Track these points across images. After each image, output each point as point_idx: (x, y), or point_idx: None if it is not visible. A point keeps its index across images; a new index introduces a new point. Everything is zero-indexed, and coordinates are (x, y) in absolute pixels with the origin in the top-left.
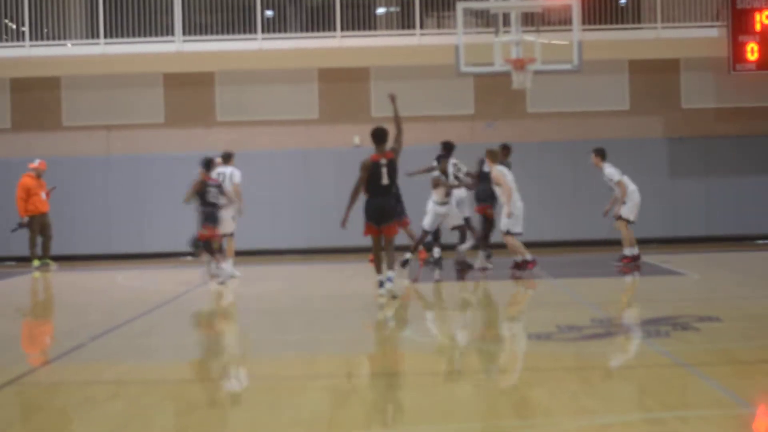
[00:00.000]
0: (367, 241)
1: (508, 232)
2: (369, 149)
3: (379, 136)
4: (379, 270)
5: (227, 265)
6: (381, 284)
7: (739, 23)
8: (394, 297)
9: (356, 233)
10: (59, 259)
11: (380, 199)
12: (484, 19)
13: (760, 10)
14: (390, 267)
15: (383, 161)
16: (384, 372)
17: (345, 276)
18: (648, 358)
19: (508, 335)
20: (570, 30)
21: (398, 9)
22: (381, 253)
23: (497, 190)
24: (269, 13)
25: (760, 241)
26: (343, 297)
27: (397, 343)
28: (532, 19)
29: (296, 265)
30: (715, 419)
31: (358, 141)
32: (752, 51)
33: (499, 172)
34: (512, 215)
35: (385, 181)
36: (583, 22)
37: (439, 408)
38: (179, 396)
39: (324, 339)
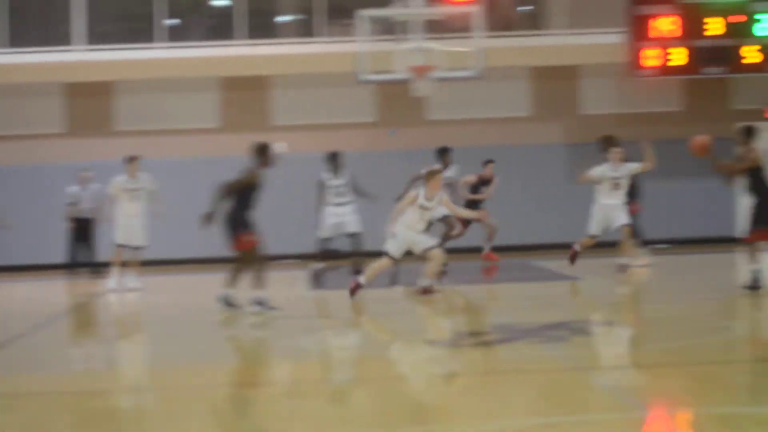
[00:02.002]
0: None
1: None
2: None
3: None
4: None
5: (128, 278)
6: (258, 302)
7: (638, 29)
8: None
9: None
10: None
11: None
12: (386, 26)
13: (660, 16)
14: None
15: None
16: (275, 381)
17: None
18: (545, 362)
19: (407, 342)
20: (472, 37)
21: (300, 17)
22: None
23: None
24: (172, 21)
25: (660, 246)
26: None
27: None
28: (433, 26)
29: (200, 275)
30: (611, 423)
31: (282, 148)
32: (651, 57)
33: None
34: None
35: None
36: (485, 29)
37: (339, 415)
38: (76, 407)
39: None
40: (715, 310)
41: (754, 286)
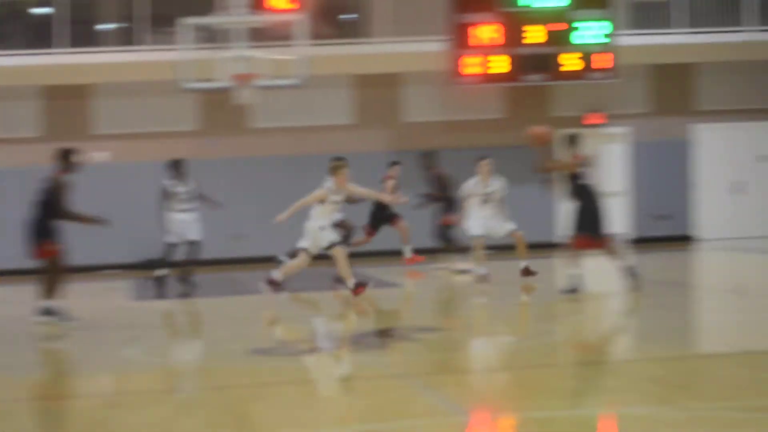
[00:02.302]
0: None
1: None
2: (94, 166)
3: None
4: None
5: None
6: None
7: (460, 37)
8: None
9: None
10: None
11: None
12: (208, 34)
13: (481, 24)
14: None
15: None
16: (89, 393)
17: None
18: (369, 369)
19: (227, 351)
20: (295, 45)
21: (122, 25)
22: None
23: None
24: None
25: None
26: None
27: (102, 363)
28: (256, 34)
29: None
30: (432, 428)
31: (97, 157)
32: (472, 65)
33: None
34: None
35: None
36: (309, 37)
37: (159, 426)
38: None
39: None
40: (536, 314)
41: (572, 290)
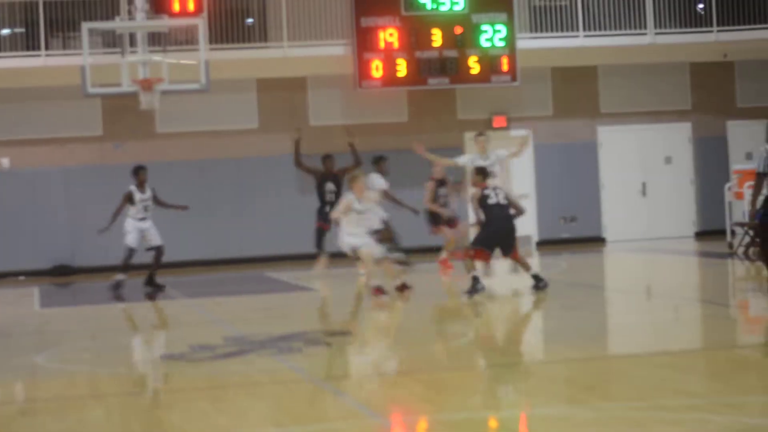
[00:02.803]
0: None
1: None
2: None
3: None
4: None
5: None
6: None
7: (364, 41)
8: None
9: None
10: None
11: None
12: (112, 39)
13: (384, 28)
14: None
15: None
16: (7, 400)
17: None
18: (280, 374)
19: (140, 357)
20: (197, 49)
21: (23, 29)
22: None
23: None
24: None
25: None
26: None
27: (11, 370)
28: (159, 39)
29: None
30: (345, 431)
31: (6, 163)
32: (377, 68)
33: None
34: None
35: None
36: (211, 42)
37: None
38: None
39: None
40: (444, 316)
41: (473, 291)
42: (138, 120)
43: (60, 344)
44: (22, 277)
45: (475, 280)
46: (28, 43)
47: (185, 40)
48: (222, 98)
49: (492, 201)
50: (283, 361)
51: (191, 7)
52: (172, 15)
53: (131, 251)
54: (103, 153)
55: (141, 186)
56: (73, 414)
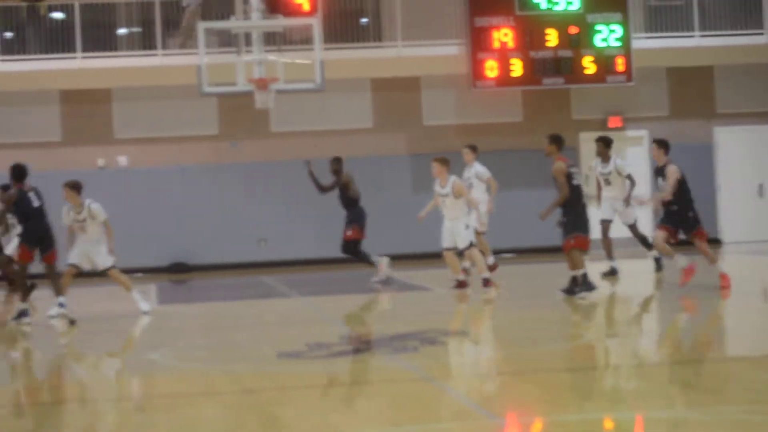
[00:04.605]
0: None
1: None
2: (115, 170)
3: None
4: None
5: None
6: (23, 313)
7: (478, 41)
8: (72, 322)
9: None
10: None
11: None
12: (227, 39)
13: (498, 28)
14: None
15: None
16: (123, 395)
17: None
18: (395, 373)
19: (256, 354)
20: (312, 49)
21: (140, 29)
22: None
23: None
24: (8, 34)
25: (505, 255)
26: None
27: (129, 367)
28: (274, 39)
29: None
30: (460, 431)
31: (102, 163)
32: (491, 68)
33: (457, 182)
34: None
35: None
36: (325, 41)
37: (187, 429)
38: None
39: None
40: (561, 317)
41: (584, 291)
42: (253, 119)
43: (176, 341)
44: (139, 274)
45: (584, 277)
46: (145, 42)
47: (300, 39)
48: (336, 98)
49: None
50: (399, 360)
51: (306, 6)
52: (287, 15)
53: None
54: (218, 152)
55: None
56: (189, 411)
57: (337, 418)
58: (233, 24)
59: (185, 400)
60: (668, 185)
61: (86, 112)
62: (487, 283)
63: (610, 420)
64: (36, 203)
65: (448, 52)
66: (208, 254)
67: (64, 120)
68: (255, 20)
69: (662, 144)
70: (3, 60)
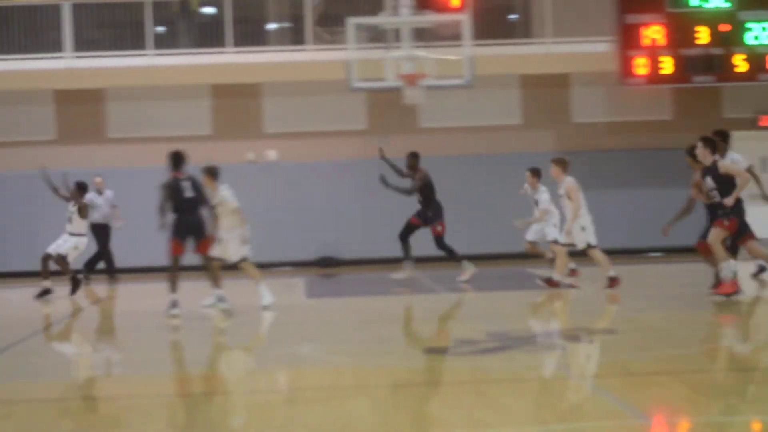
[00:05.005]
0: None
1: (589, 245)
2: (264, 165)
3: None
4: (174, 289)
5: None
6: (173, 304)
7: (628, 38)
8: (228, 313)
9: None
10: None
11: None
12: (376, 34)
13: (648, 25)
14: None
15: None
16: (271, 388)
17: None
18: (542, 370)
19: (405, 350)
20: (461, 45)
21: (290, 24)
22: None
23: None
24: (160, 28)
25: (652, 254)
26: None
27: (283, 359)
28: (423, 35)
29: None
30: (608, 430)
31: (252, 157)
32: (641, 65)
33: (571, 183)
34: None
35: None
36: (475, 37)
37: (338, 423)
38: (72, 413)
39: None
40: (703, 319)
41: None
42: (402, 114)
43: (324, 335)
44: (288, 268)
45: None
46: (295, 37)
47: (449, 35)
48: (485, 94)
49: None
50: (545, 357)
51: (456, 2)
52: (436, 11)
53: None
54: (367, 147)
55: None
56: (337, 405)
57: (483, 415)
58: (383, 20)
59: (335, 393)
60: None
61: (236, 106)
62: (612, 282)
63: (759, 423)
64: (189, 193)
65: (598, 49)
66: (356, 248)
67: (214, 114)
68: (405, 16)
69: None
70: (155, 54)
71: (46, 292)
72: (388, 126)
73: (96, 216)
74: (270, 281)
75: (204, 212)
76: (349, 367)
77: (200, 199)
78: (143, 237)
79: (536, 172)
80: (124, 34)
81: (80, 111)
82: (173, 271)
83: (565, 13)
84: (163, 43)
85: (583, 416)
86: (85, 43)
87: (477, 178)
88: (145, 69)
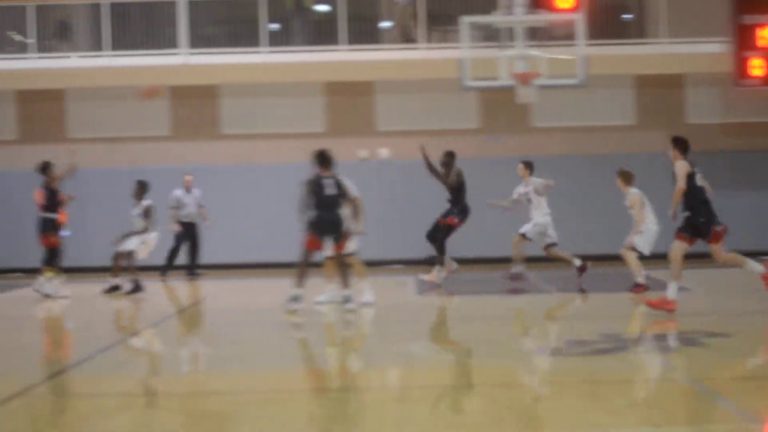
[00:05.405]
0: (377, 254)
1: (632, 248)
2: (376, 162)
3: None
4: (301, 284)
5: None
6: (295, 299)
7: (743, 39)
8: (352, 313)
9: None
10: (72, 270)
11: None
12: (489, 33)
13: (764, 26)
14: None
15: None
16: (383, 386)
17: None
18: (655, 372)
19: (516, 350)
20: (575, 44)
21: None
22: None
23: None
24: (274, 26)
25: (767, 257)
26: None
27: (394, 357)
28: (537, 34)
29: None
30: None
31: (364, 155)
32: (756, 66)
33: (635, 195)
34: (641, 234)
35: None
36: (588, 37)
37: (445, 421)
38: (186, 408)
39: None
40: None
41: None
42: (514, 114)
43: (434, 333)
44: (399, 266)
45: None
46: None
47: (562, 34)
48: (598, 94)
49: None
50: (658, 359)
51: (570, 2)
52: (550, 10)
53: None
54: (480, 145)
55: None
56: (446, 403)
57: (595, 416)
58: (497, 19)
59: (445, 391)
60: None
61: (349, 104)
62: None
63: None
64: (330, 191)
65: (712, 49)
66: (466, 247)
67: (328, 111)
68: (519, 15)
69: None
70: (269, 51)
71: (114, 288)
72: (499, 125)
73: (183, 214)
74: (381, 279)
75: (343, 211)
76: (458, 366)
77: (341, 197)
78: (263, 233)
79: (528, 165)
80: (238, 30)
81: (194, 107)
82: (303, 266)
83: (680, 13)
84: (277, 40)
85: (696, 419)
86: (200, 40)
87: (589, 178)
88: (259, 66)
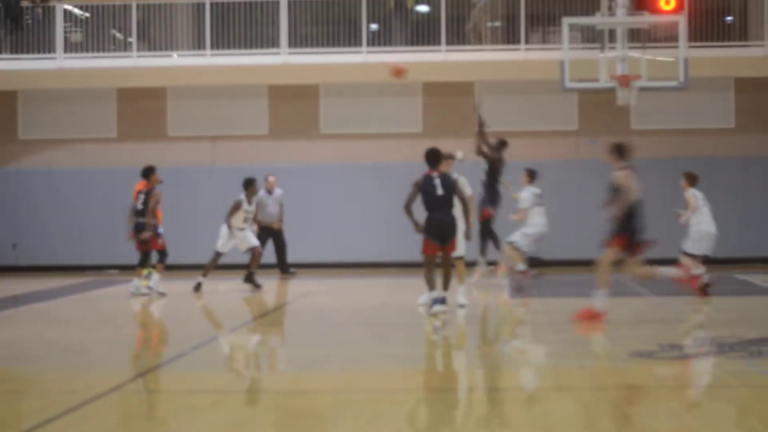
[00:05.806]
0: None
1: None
2: (470, 164)
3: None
4: (432, 286)
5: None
6: (437, 301)
7: None
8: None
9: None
10: (168, 267)
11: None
12: (590, 35)
13: None
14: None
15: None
16: (472, 387)
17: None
18: (749, 378)
19: (608, 352)
20: (676, 47)
21: (503, 24)
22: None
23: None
24: (374, 26)
25: None
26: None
27: (478, 358)
28: (638, 36)
29: (402, 278)
30: None
31: (461, 155)
32: None
33: (691, 195)
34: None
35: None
36: (689, 40)
37: (540, 423)
38: (280, 406)
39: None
40: None
41: None
42: (613, 116)
43: (523, 335)
44: (491, 267)
45: None
46: (508, 36)
47: (662, 36)
48: (698, 96)
49: None
50: (753, 364)
51: (672, 4)
52: (652, 12)
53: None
54: (578, 147)
55: (249, 198)
56: (540, 405)
57: (689, 421)
58: (598, 20)
59: (539, 394)
60: None
61: (447, 104)
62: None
63: None
64: (440, 191)
65: None
66: (561, 249)
67: (425, 112)
68: (620, 17)
69: None
70: (369, 52)
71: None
72: (598, 127)
73: (263, 215)
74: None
75: (455, 211)
76: (549, 367)
77: (451, 196)
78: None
79: (531, 174)
80: (338, 30)
81: (293, 106)
82: (428, 271)
83: None
84: (377, 40)
85: None
86: (300, 40)
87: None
88: (358, 66)
